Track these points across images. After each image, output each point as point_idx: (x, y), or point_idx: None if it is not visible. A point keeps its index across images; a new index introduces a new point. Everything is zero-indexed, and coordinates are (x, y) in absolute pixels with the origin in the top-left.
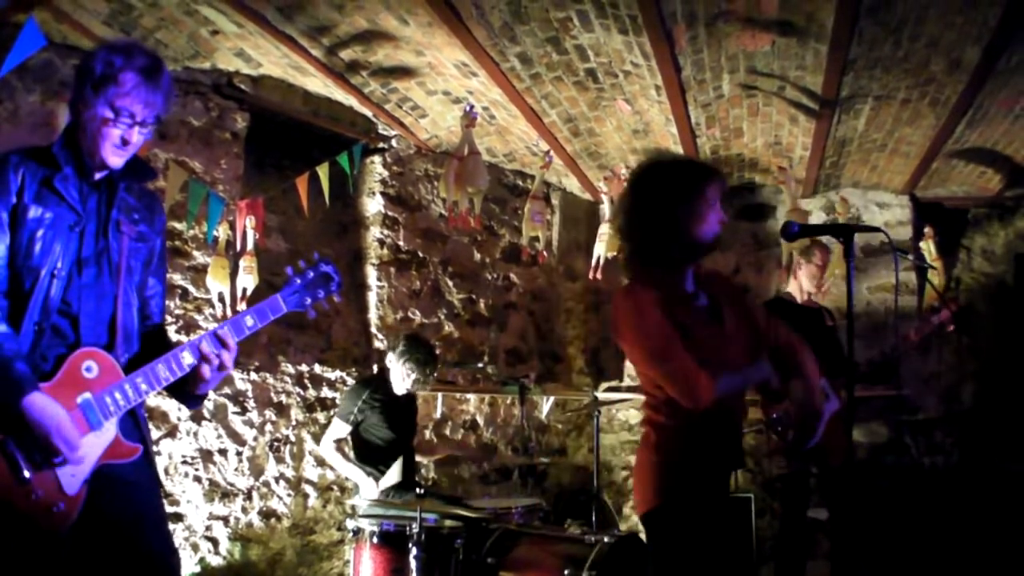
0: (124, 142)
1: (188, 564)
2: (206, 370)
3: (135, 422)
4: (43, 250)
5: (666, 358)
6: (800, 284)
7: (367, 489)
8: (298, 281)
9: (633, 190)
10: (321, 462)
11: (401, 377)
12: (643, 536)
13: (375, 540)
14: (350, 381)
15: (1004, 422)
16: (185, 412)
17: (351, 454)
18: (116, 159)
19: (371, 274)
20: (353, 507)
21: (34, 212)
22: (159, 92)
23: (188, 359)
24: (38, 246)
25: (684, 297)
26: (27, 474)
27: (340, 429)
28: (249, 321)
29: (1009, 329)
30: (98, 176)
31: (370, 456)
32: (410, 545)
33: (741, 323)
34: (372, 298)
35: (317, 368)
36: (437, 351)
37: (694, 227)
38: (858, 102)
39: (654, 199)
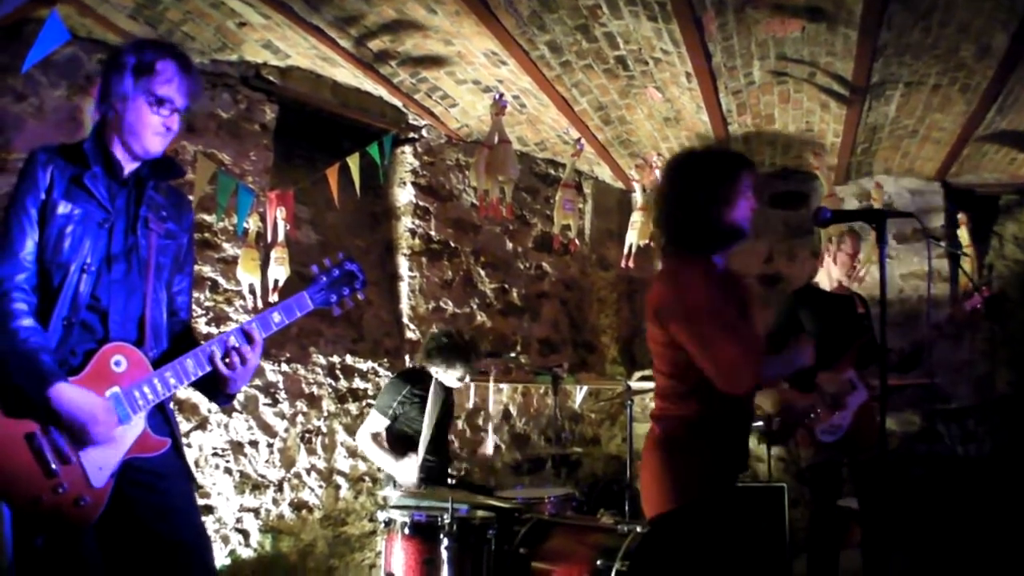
0: (167, 128)
1: (219, 556)
2: (235, 363)
3: (164, 416)
4: (72, 246)
5: (728, 328)
6: (829, 272)
7: (406, 471)
8: (324, 279)
9: (667, 179)
10: (353, 452)
11: (453, 379)
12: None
13: (407, 531)
14: (382, 372)
15: None
16: (215, 404)
17: (386, 445)
18: (158, 145)
19: (403, 264)
20: (385, 498)
21: (63, 208)
22: (195, 81)
23: (216, 354)
24: (67, 242)
25: (718, 284)
26: (54, 467)
27: (378, 422)
28: (276, 318)
29: None
30: (127, 173)
31: (405, 448)
32: (442, 536)
33: (758, 321)
34: (404, 288)
35: (349, 359)
36: (468, 340)
37: (726, 214)
38: (888, 88)
39: (687, 187)
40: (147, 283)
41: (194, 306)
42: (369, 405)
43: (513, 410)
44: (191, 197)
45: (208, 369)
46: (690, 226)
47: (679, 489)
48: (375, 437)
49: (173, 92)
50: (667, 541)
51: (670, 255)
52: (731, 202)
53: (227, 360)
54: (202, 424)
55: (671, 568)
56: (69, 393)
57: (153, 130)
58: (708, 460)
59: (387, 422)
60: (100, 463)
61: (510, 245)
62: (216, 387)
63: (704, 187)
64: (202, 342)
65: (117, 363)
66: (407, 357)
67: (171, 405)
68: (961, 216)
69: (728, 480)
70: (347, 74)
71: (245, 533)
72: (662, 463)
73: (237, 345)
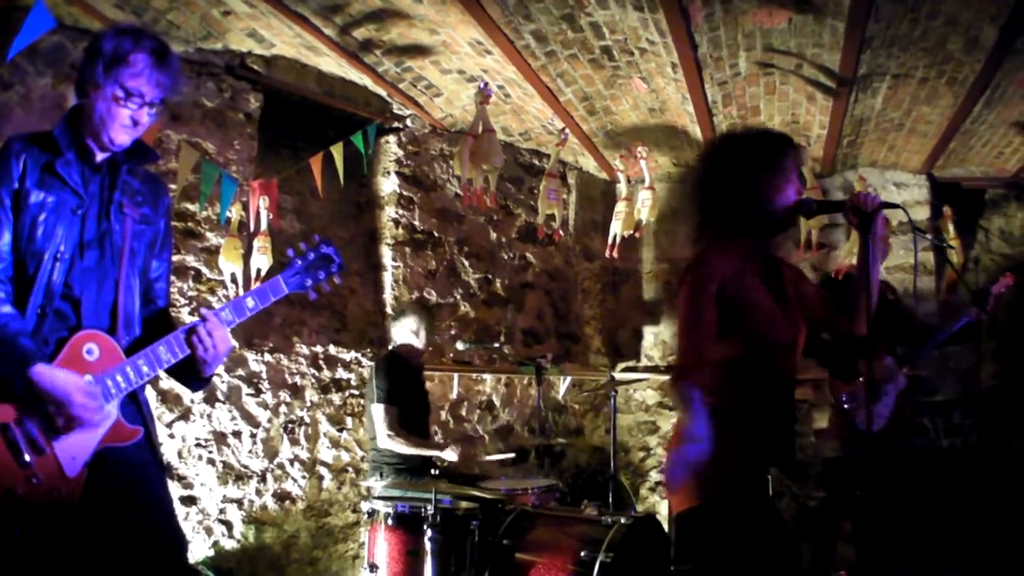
0: (134, 122)
1: (202, 547)
2: (201, 351)
3: (137, 405)
4: (46, 234)
5: (692, 328)
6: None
7: (450, 454)
8: (299, 263)
9: (705, 162)
10: (336, 443)
11: (414, 333)
12: (661, 519)
13: (390, 522)
14: (365, 362)
15: (1023, 402)
16: (199, 394)
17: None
18: (124, 138)
19: (386, 254)
20: (368, 489)
21: (36, 197)
22: (169, 74)
23: (190, 338)
24: (40, 230)
25: (754, 270)
26: (28, 458)
27: (389, 412)
28: (250, 303)
29: None
30: (100, 159)
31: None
32: (425, 527)
33: (798, 310)
34: (387, 278)
35: (332, 349)
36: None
37: (771, 198)
38: (875, 80)
39: (727, 168)
40: (120, 270)
41: (177, 295)
42: (353, 396)
43: (496, 401)
44: (173, 186)
45: (181, 356)
46: (731, 211)
47: (700, 485)
48: (399, 429)
49: (143, 85)
50: (684, 537)
51: (707, 237)
52: (775, 183)
53: (199, 344)
54: (185, 414)
55: (695, 565)
56: (51, 373)
57: (120, 122)
58: (736, 453)
59: (395, 408)
60: (74, 453)
61: (494, 235)
62: (189, 372)
63: (745, 168)
64: (177, 328)
65: (89, 351)
66: (390, 347)
67: (144, 394)
68: (946, 209)
69: (757, 475)
70: (332, 63)
71: (228, 524)
72: (686, 454)
73: (208, 330)
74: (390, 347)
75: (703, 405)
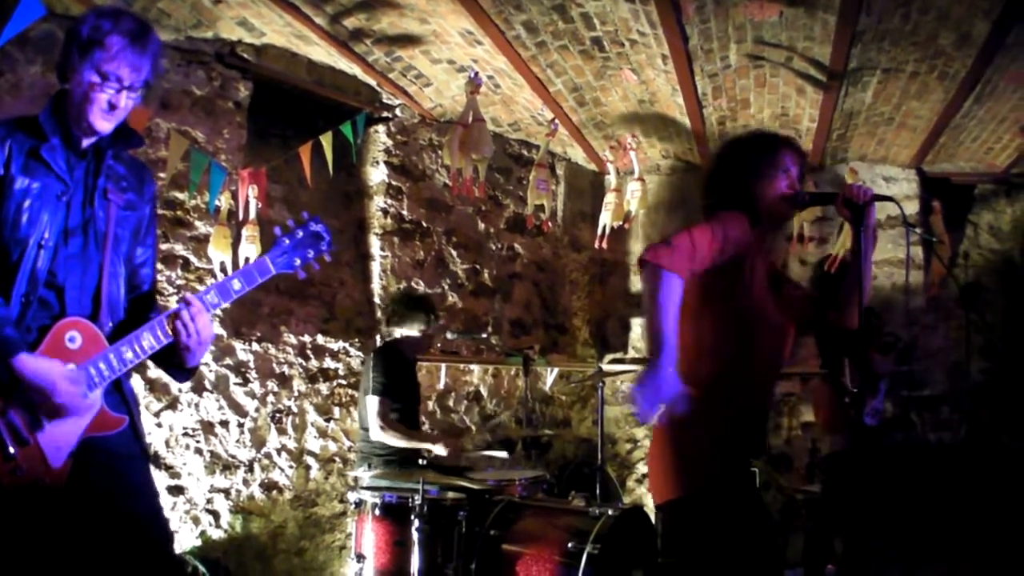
0: (112, 107)
1: (189, 537)
2: (184, 336)
3: (121, 394)
4: (30, 221)
5: (683, 235)
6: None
7: (439, 449)
8: (287, 242)
9: (712, 162)
10: (324, 433)
11: (416, 331)
12: (648, 510)
13: (377, 512)
14: (353, 352)
15: (1011, 398)
16: (186, 383)
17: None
18: (105, 124)
19: (374, 244)
20: (355, 479)
21: (21, 183)
22: (146, 56)
23: (170, 327)
24: (25, 217)
25: (758, 255)
26: (12, 450)
27: (383, 404)
28: (236, 285)
29: (1016, 305)
30: (85, 144)
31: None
32: (412, 517)
33: (790, 308)
34: (375, 268)
35: (320, 339)
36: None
37: (763, 187)
38: (866, 74)
39: (729, 163)
40: (103, 256)
41: (165, 284)
42: (340, 385)
43: (484, 391)
44: (163, 174)
45: (164, 343)
46: (732, 200)
47: (686, 476)
48: (389, 422)
49: (119, 69)
50: (670, 528)
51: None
52: (768, 176)
53: (182, 329)
54: (172, 404)
55: (681, 557)
56: (33, 363)
57: (98, 106)
58: (715, 442)
59: (390, 400)
60: (58, 443)
61: (482, 226)
62: (174, 360)
63: (743, 162)
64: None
65: (72, 339)
66: (378, 337)
67: (129, 382)
68: (936, 204)
69: (737, 465)
70: (322, 52)
71: (215, 514)
72: (669, 445)
73: (192, 315)
74: (388, 339)
75: (668, 280)
